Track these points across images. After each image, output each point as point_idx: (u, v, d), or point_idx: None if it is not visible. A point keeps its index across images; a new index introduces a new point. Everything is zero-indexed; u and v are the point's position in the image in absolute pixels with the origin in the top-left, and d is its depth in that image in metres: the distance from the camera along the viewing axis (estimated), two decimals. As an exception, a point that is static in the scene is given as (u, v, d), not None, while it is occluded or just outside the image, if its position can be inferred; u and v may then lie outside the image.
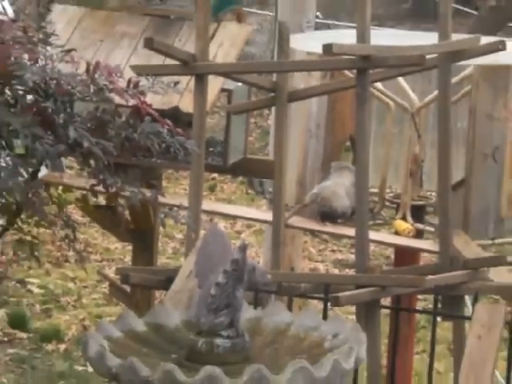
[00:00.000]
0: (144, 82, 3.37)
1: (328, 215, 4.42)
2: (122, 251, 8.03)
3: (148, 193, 3.23)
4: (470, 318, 3.84)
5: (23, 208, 3.11)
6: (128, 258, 7.00)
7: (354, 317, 4.12)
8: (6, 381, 6.40)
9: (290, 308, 3.76)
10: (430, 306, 4.26)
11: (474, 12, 13.60)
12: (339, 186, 4.36)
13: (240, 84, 4.63)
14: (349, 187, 4.23)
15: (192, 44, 4.30)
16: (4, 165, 2.93)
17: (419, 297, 4.75)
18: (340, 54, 4.00)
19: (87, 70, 3.18)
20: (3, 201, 3.07)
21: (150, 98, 3.34)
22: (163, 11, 4.88)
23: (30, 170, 3.08)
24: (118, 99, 3.21)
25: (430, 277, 4.02)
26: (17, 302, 7.34)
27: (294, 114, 4.51)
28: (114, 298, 5.99)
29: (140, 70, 3.78)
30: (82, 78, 3.14)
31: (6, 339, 6.88)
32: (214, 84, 4.42)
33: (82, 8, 5.01)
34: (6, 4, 3.56)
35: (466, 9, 13.35)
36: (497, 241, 4.52)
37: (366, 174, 4.02)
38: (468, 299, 4.26)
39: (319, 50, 3.96)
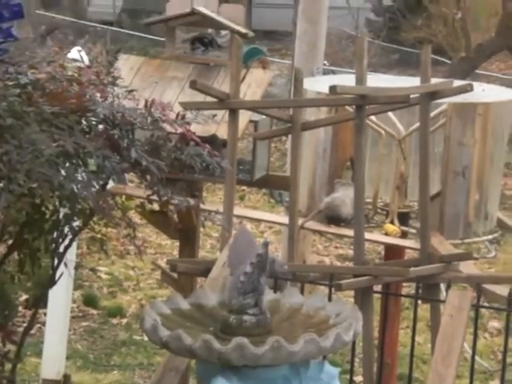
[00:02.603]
0: (189, 114, 3.37)
1: (333, 219, 4.42)
2: (171, 246, 8.04)
3: (192, 201, 3.23)
4: (444, 301, 3.81)
5: (95, 212, 3.12)
6: (176, 252, 7.00)
7: (352, 299, 4.10)
8: (81, 347, 6.42)
9: (302, 292, 3.75)
10: (413, 291, 4.23)
11: (448, 61, 13.54)
12: (346, 197, 4.36)
13: (264, 116, 4.63)
14: (353, 199, 4.22)
15: (227, 85, 4.31)
16: (80, 179, 2.94)
17: (404, 284, 4.71)
18: (343, 94, 4.00)
19: (145, 106, 3.19)
20: (80, 206, 3.08)
21: (193, 127, 3.34)
22: (204, 60, 4.89)
23: (101, 182, 3.08)
24: (169, 128, 3.21)
25: (413, 268, 3.99)
26: (89, 286, 7.37)
27: (305, 140, 4.51)
28: (164, 282, 5.99)
29: (186, 106, 3.78)
30: (141, 112, 3.15)
31: (80, 314, 6.91)
32: (244, 116, 4.42)
33: (141, 57, 5.03)
34: (83, 54, 3.57)
35: (442, 59, 13.30)
36: (465, 240, 4.50)
37: (362, 188, 4.00)
38: (443, 286, 4.22)
39: (326, 91, 3.96)
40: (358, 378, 4.94)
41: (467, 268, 4.09)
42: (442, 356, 3.44)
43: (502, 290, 3.87)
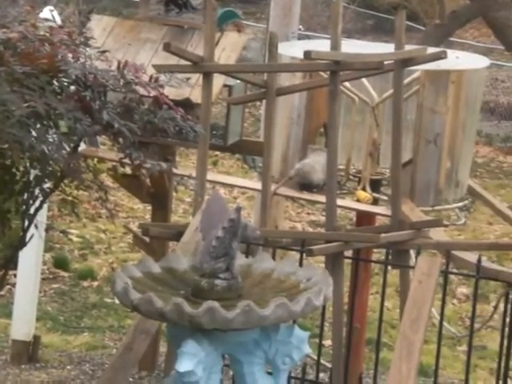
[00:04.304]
0: (163, 77, 3.35)
1: (305, 186, 4.42)
2: (143, 210, 8.02)
3: (164, 165, 3.22)
4: (413, 267, 3.85)
5: (66, 174, 3.10)
6: (148, 216, 6.98)
7: (323, 265, 4.13)
8: (51, 309, 6.41)
9: (273, 257, 3.77)
10: (383, 257, 4.27)
11: (423, 28, 13.54)
12: (317, 163, 4.35)
13: (238, 81, 4.61)
14: (324, 164, 4.22)
15: (201, 48, 4.27)
16: (52, 140, 2.92)
17: (374, 250, 4.75)
18: (317, 59, 3.99)
19: (118, 67, 3.16)
20: (50, 168, 3.06)
21: (167, 91, 3.32)
22: (178, 22, 4.84)
23: (72, 145, 3.06)
24: (142, 91, 3.19)
25: (383, 235, 4.03)
26: (60, 248, 7.34)
27: (280, 106, 4.49)
28: (136, 246, 5.99)
29: (159, 69, 3.75)
30: (114, 74, 3.12)
31: (51, 276, 6.88)
32: (218, 81, 4.39)
33: (114, 18, 4.97)
34: (56, 14, 3.53)
35: (416, 25, 13.29)
36: (436, 207, 4.53)
37: (335, 154, 4.01)
38: (412, 252, 4.26)
39: (301, 56, 3.94)
40: (328, 342, 4.99)
41: (437, 235, 4.13)
42: (410, 321, 3.49)
43: (470, 257, 3.91)
